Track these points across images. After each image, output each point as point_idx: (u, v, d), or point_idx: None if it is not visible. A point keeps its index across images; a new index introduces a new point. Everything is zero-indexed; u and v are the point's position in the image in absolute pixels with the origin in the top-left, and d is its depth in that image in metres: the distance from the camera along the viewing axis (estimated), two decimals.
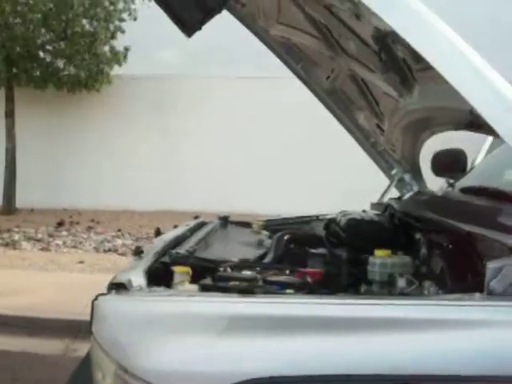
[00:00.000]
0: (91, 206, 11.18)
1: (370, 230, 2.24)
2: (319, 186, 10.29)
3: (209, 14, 2.45)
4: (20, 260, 6.95)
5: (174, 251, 1.87)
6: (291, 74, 2.84)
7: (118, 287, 1.51)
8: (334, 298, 1.44)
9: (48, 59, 11.01)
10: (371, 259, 1.95)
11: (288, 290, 1.54)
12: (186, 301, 1.42)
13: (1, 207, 11.02)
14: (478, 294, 1.27)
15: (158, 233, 2.37)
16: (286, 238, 2.30)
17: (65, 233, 9.25)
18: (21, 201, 11.02)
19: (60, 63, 10.97)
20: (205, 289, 1.56)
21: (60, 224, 9.88)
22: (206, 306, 1.37)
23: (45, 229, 9.41)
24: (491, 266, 1.25)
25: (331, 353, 1.19)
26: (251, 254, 2.06)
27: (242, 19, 2.62)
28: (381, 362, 1.16)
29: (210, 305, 1.37)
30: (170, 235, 2.27)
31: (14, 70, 10.69)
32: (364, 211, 2.62)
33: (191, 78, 11.81)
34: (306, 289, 1.57)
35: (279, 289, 1.55)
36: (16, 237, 8.64)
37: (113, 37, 10.82)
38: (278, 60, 2.81)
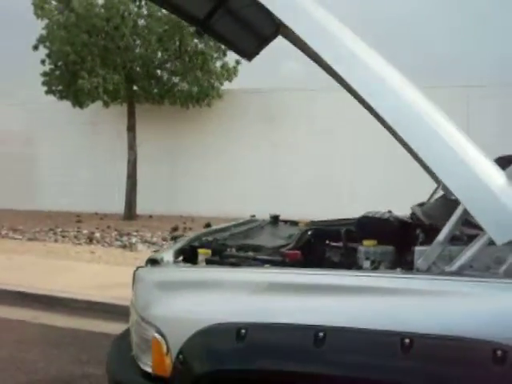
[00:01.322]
0: (206, 213, 11.82)
1: (376, 225, 2.39)
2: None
3: (264, 41, 2.81)
4: (133, 259, 7.63)
5: (204, 238, 2.20)
6: None
7: (152, 262, 1.92)
8: (292, 269, 1.79)
9: (165, 77, 11.90)
10: (359, 247, 2.14)
11: (266, 265, 1.87)
12: (191, 271, 1.80)
13: (123, 214, 12.03)
14: (399, 269, 1.66)
15: (207, 226, 2.72)
16: (309, 232, 2.55)
17: None
18: (141, 208, 11.99)
19: (175, 80, 11.80)
20: (208, 263, 1.90)
21: (174, 229, 10.59)
22: (203, 274, 1.82)
23: (160, 233, 10.16)
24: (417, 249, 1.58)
25: (281, 308, 1.54)
26: (276, 243, 2.32)
27: (294, 42, 2.85)
28: (316, 315, 1.47)
29: (206, 273, 1.82)
30: (213, 227, 2.62)
31: (134, 87, 11.69)
32: (389, 211, 2.76)
33: (299, 91, 12.08)
34: (280, 264, 1.89)
35: (260, 264, 1.90)
36: (133, 240, 9.43)
37: (224, 54, 11.43)
38: None
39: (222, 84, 11.83)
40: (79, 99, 10.80)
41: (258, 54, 2.93)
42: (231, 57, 11.45)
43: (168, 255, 1.98)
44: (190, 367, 1.55)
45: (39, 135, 13.83)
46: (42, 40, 10.88)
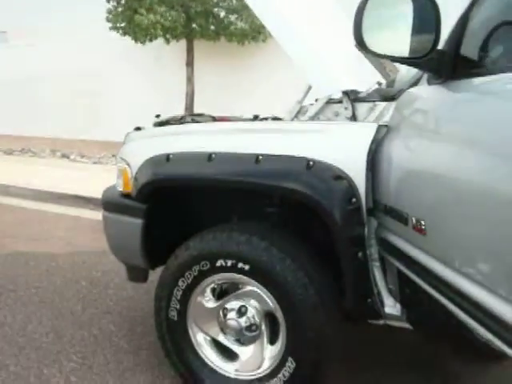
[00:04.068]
0: None
1: None
2: None
3: None
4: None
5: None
6: None
7: (137, 129, 2.76)
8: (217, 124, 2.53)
9: (221, 15, 12.58)
10: None
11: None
12: (152, 129, 2.66)
13: None
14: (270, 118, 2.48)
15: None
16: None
17: None
18: None
19: (232, 18, 12.45)
20: (157, 125, 2.74)
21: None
22: (156, 131, 2.68)
23: None
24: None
25: (194, 145, 2.33)
26: None
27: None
28: (210, 147, 2.23)
29: (157, 130, 2.68)
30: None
31: (193, 25, 12.47)
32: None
33: None
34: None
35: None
36: None
37: None
38: None
39: None
40: (138, 35, 11.72)
41: None
42: None
43: (147, 127, 2.84)
44: (138, 181, 2.42)
45: (106, 70, 14.95)
46: None
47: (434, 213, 1.55)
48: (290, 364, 2.15)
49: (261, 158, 2.09)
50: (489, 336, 1.32)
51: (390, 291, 2.03)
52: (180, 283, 2.32)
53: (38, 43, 15.73)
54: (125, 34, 12.16)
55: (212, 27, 12.39)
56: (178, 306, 2.36)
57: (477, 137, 1.37)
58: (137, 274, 2.72)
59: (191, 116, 2.94)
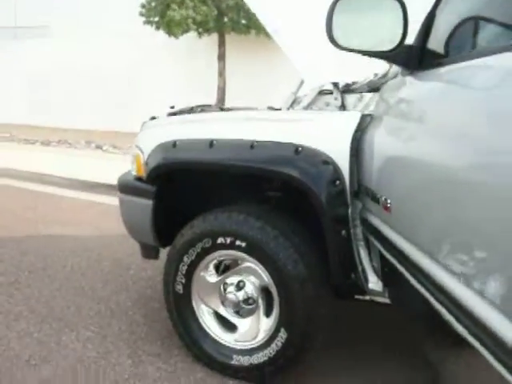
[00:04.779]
0: None
1: None
2: None
3: None
4: None
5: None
6: None
7: (152, 118, 2.96)
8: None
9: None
10: None
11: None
12: (164, 118, 2.85)
13: None
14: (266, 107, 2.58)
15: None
16: None
17: None
18: None
19: None
20: (170, 115, 2.94)
21: None
22: (168, 119, 2.86)
23: None
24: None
25: (198, 132, 2.54)
26: None
27: None
28: (211, 135, 2.44)
29: (169, 119, 2.87)
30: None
31: (225, 19, 12.71)
32: None
33: None
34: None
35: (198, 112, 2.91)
36: None
37: None
38: None
39: None
40: (171, 29, 12.01)
41: None
42: None
43: (163, 115, 3.06)
44: (148, 165, 2.64)
45: (140, 64, 15.31)
46: None
47: (397, 191, 1.72)
48: (283, 334, 2.34)
49: (256, 144, 2.28)
50: (442, 310, 1.41)
51: (374, 269, 2.19)
52: (185, 259, 2.53)
53: (76, 38, 16.21)
54: (158, 28, 12.47)
55: (243, 21, 12.59)
56: (183, 280, 2.57)
57: (434, 121, 1.53)
58: (149, 252, 2.95)
59: (200, 107, 3.14)
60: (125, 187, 2.89)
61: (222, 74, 13.08)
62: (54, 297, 3.42)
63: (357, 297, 2.36)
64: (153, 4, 12.21)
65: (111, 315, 3.19)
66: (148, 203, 2.68)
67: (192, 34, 12.54)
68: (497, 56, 1.31)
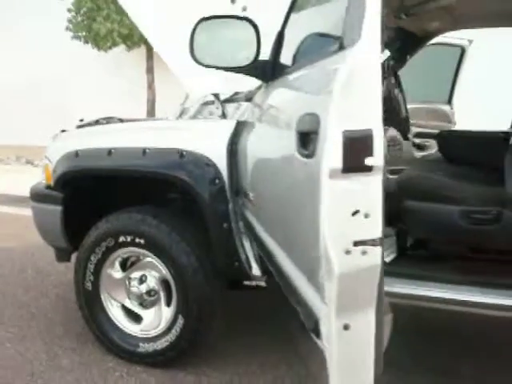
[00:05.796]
0: None
1: None
2: None
3: None
4: None
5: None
6: None
7: (62, 131, 3.19)
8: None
9: None
10: None
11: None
12: (73, 130, 3.06)
13: None
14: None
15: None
16: None
17: None
18: None
19: None
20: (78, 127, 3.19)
21: None
22: (76, 131, 3.04)
23: None
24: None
25: (100, 142, 2.79)
26: None
27: None
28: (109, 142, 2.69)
29: (78, 130, 3.07)
30: None
31: None
32: None
33: None
34: None
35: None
36: None
37: None
38: None
39: None
40: (98, 43, 12.12)
41: None
42: None
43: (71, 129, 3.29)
44: (56, 173, 2.87)
45: (69, 78, 15.26)
46: None
47: (255, 185, 2.05)
48: (180, 321, 2.62)
49: (147, 151, 2.57)
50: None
51: (255, 257, 2.52)
52: (92, 258, 2.78)
53: (6, 51, 15.98)
54: (86, 42, 12.55)
55: None
56: (91, 278, 2.81)
57: (271, 122, 1.87)
58: (62, 255, 3.18)
59: (106, 119, 3.40)
60: (36, 195, 3.12)
61: (151, 86, 13.25)
62: None
63: (246, 283, 2.67)
64: (79, 19, 12.29)
65: (31, 318, 3.39)
66: (57, 209, 2.92)
67: (121, 48, 12.66)
68: (319, 62, 1.58)
